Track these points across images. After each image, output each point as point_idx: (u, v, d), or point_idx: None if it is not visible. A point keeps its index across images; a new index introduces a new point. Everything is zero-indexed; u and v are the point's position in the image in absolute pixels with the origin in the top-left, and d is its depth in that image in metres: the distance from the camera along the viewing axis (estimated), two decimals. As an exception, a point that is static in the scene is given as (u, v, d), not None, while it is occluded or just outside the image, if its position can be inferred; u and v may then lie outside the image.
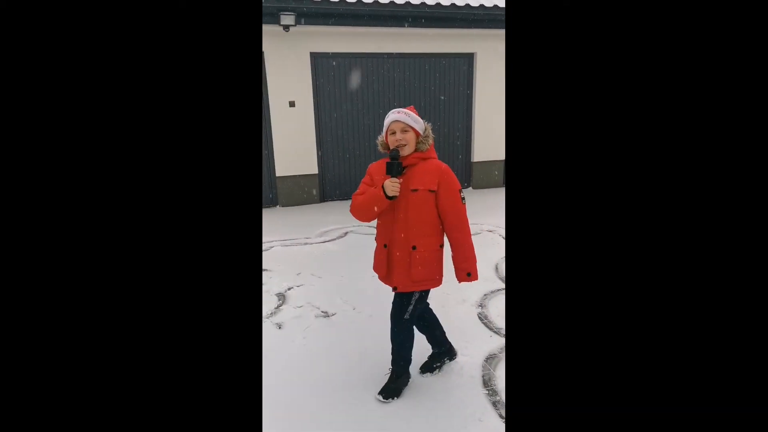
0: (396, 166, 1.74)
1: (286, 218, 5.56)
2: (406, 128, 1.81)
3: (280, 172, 6.02)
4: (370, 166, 1.99)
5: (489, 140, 7.02)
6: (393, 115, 1.84)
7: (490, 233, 4.83)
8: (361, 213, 1.84)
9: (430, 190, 1.80)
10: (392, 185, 1.73)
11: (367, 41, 5.94)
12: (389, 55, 6.17)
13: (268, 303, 3.19)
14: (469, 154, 7.06)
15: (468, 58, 6.61)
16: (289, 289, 3.43)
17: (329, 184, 6.41)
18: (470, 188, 7.13)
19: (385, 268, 1.91)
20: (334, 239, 4.68)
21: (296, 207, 6.14)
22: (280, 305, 3.16)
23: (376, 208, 1.78)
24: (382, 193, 1.73)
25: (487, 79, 6.71)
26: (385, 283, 1.96)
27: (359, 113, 6.26)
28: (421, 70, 6.41)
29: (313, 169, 6.18)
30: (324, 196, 6.39)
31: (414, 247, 1.81)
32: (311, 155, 6.12)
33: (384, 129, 1.89)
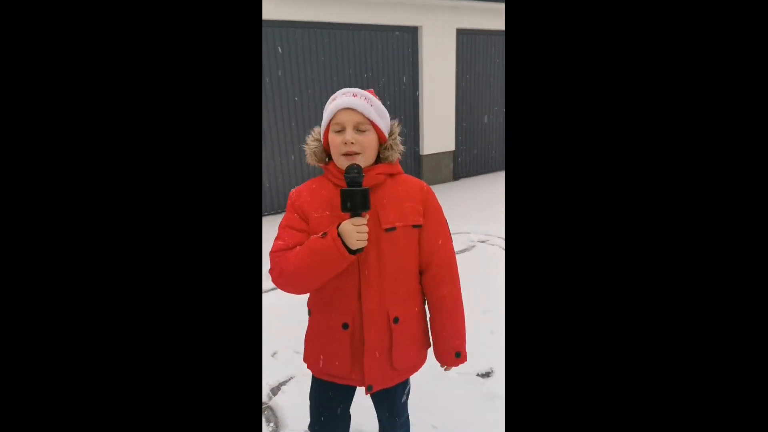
0: (359, 195, 1.00)
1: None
2: (365, 124, 1.07)
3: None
4: (293, 193, 1.15)
5: (439, 129, 6.08)
6: (343, 99, 1.07)
7: (484, 245, 3.85)
8: (299, 281, 1.05)
9: (414, 225, 1.12)
10: (357, 230, 1.00)
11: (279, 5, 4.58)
12: (307, 24, 4.86)
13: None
14: (417, 146, 6.07)
15: (411, 33, 5.55)
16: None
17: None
18: (421, 186, 6.16)
19: (348, 359, 1.14)
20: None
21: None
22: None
23: (327, 272, 1.03)
24: (337, 245, 0.99)
25: (435, 59, 5.72)
26: (346, 382, 1.19)
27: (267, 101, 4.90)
28: (354, 45, 5.22)
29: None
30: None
31: (396, 319, 1.13)
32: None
33: (323, 123, 1.11)
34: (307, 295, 1.21)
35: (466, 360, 1.22)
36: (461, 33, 5.96)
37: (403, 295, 1.15)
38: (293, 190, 1.15)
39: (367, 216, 1.03)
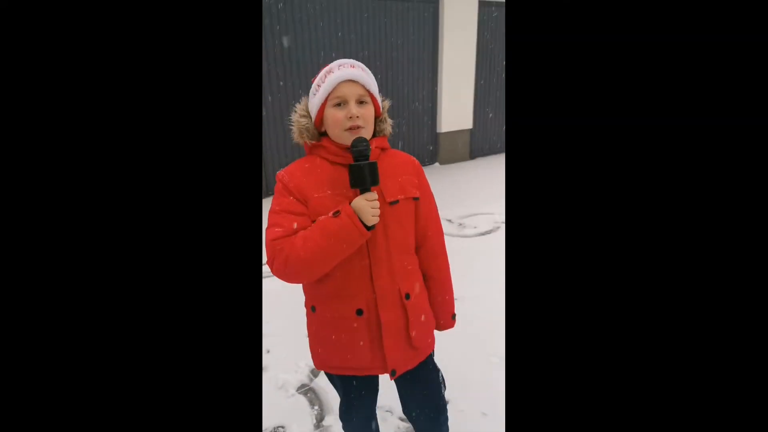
0: (368, 169, 0.96)
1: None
2: (365, 96, 1.03)
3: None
4: (284, 176, 1.06)
5: (457, 106, 5.91)
6: (343, 71, 1.00)
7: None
8: (313, 266, 0.98)
9: (414, 198, 1.11)
10: (371, 205, 0.97)
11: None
12: (338, -4, 4.70)
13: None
14: (435, 124, 5.92)
15: (433, 4, 5.34)
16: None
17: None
18: (437, 164, 6.04)
19: (367, 347, 1.09)
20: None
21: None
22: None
23: (343, 253, 0.98)
24: (354, 222, 0.95)
25: (456, 31, 5.51)
26: (367, 372, 1.13)
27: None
28: (374, 17, 5.04)
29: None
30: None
31: (407, 296, 1.10)
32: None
33: (320, 97, 1.02)
34: (299, 294, 1.17)
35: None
36: (483, 5, 5.73)
37: (410, 270, 1.12)
38: (281, 172, 1.07)
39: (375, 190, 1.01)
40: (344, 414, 1.28)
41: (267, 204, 1.10)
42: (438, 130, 5.91)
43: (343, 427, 1.33)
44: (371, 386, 1.25)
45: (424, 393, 1.22)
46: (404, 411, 1.29)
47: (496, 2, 5.84)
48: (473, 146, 6.34)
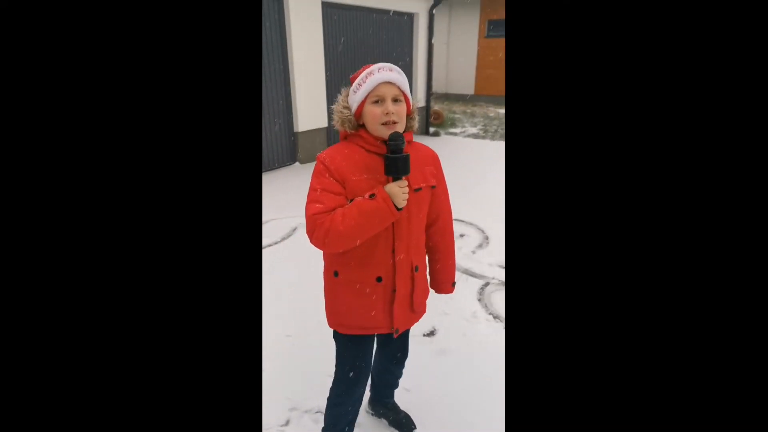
0: (401, 160, 1.15)
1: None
2: (400, 95, 1.21)
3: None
4: (325, 158, 1.23)
5: (311, 105, 6.00)
6: (383, 74, 1.18)
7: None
8: (349, 239, 1.17)
9: (432, 186, 1.33)
10: (402, 191, 1.17)
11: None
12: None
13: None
14: (292, 124, 5.92)
15: (277, 2, 5.32)
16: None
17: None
18: (297, 164, 6.06)
19: (381, 309, 1.33)
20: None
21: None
22: None
23: (376, 229, 1.19)
24: (388, 205, 1.14)
25: (303, 32, 5.58)
26: (374, 331, 1.39)
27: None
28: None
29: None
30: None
31: (417, 268, 1.35)
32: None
33: (360, 94, 1.20)
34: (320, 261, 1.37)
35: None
36: (326, 6, 5.89)
37: (420, 247, 1.37)
38: (322, 154, 1.23)
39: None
40: (345, 382, 1.43)
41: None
42: (295, 130, 5.93)
43: (336, 403, 1.48)
44: (371, 353, 1.47)
45: (404, 341, 1.58)
46: (380, 355, 1.59)
47: (339, 4, 6.06)
48: (330, 143, 6.51)
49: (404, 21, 7.53)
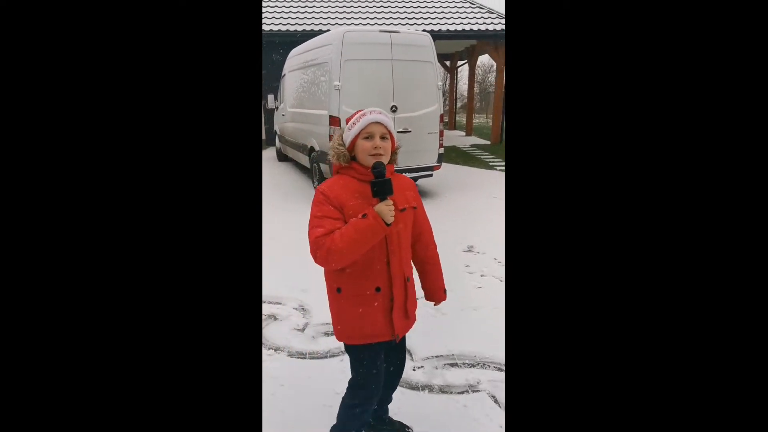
0: (386, 184, 1.39)
1: None
2: (387, 134, 1.48)
3: None
4: (325, 189, 1.47)
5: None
6: (374, 116, 1.47)
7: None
8: (348, 254, 1.38)
9: (413, 207, 1.60)
10: (389, 209, 1.38)
11: None
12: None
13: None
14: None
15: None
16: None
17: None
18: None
19: (381, 317, 1.53)
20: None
21: None
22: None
23: (370, 244, 1.40)
24: (378, 222, 1.36)
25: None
26: (379, 339, 1.56)
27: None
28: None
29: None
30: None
31: (408, 279, 1.58)
32: None
33: (354, 131, 1.48)
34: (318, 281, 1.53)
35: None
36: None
37: (409, 260, 1.59)
38: (321, 186, 1.46)
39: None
40: (359, 385, 1.57)
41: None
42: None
43: (349, 405, 1.60)
44: (381, 357, 1.60)
45: (403, 346, 1.77)
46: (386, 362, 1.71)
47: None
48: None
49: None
